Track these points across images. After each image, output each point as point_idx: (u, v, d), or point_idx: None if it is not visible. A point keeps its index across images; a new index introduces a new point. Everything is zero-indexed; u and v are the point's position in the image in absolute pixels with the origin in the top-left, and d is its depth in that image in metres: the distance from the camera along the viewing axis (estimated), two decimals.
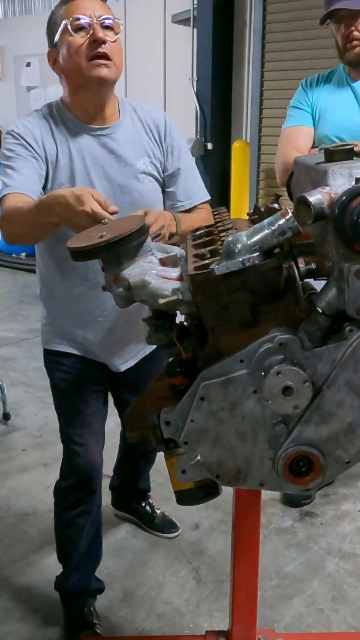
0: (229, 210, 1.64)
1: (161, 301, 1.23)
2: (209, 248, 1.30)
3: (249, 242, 1.14)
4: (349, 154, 1.17)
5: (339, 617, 2.18)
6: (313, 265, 1.20)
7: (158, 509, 2.65)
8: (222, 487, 1.34)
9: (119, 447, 2.53)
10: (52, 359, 1.99)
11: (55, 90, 7.88)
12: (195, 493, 1.36)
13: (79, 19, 1.71)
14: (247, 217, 1.55)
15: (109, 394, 2.10)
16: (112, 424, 2.09)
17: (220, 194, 6.02)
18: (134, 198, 1.81)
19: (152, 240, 1.38)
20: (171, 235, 1.66)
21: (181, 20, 6.33)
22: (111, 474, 2.59)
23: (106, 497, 2.36)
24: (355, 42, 2.32)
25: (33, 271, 7.52)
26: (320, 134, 2.43)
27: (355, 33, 2.30)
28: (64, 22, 1.73)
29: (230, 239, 1.15)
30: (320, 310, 1.16)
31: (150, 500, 2.65)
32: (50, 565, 2.37)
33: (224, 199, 5.93)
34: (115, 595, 2.27)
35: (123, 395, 2.06)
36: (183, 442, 1.25)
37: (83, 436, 1.97)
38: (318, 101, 2.45)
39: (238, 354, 1.20)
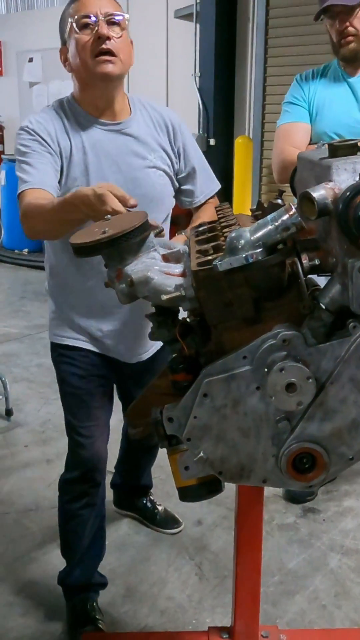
0: (231, 206, 1.64)
1: (164, 297, 1.22)
2: (212, 244, 1.30)
3: (252, 238, 1.13)
4: (352, 149, 1.17)
5: (341, 613, 2.18)
6: (317, 261, 1.19)
7: (160, 505, 2.65)
8: (225, 483, 1.34)
9: (121, 443, 2.53)
10: (60, 352, 2.00)
11: (58, 86, 7.92)
12: (198, 489, 1.36)
13: (84, 16, 1.73)
14: (250, 213, 1.55)
15: (114, 388, 2.11)
16: (115, 420, 2.09)
17: (223, 190, 5.96)
18: (146, 191, 1.83)
19: (154, 236, 1.37)
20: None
21: (184, 15, 6.32)
22: (113, 470, 2.59)
23: (108, 495, 2.36)
24: (350, 38, 2.31)
25: (35, 267, 7.49)
26: (319, 131, 2.40)
27: (350, 29, 2.29)
28: (70, 20, 1.75)
29: (233, 234, 1.14)
30: (324, 307, 1.15)
31: (151, 497, 2.66)
32: (53, 561, 2.38)
33: (227, 195, 5.91)
34: (117, 591, 2.27)
35: (131, 389, 2.06)
36: (186, 439, 1.25)
37: (89, 429, 1.98)
38: (315, 96, 2.42)
39: (241, 351, 1.19)
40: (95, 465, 2.00)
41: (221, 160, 6.12)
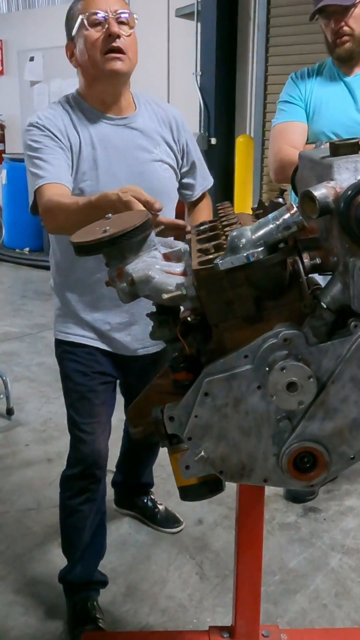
0: (232, 205, 1.64)
1: (165, 296, 1.22)
2: (213, 243, 1.30)
3: (253, 237, 1.13)
4: (354, 148, 1.16)
5: (342, 612, 2.18)
6: (318, 260, 1.19)
7: (161, 504, 2.65)
8: (226, 482, 1.34)
9: (122, 440, 2.53)
10: (64, 349, 2.01)
11: (59, 85, 7.92)
12: (199, 489, 1.35)
13: (95, 13, 1.77)
14: (251, 212, 1.54)
15: (117, 387, 2.11)
16: (116, 418, 2.09)
17: (224, 189, 6.01)
18: (153, 185, 1.86)
19: (155, 235, 1.37)
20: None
21: (185, 14, 6.31)
22: (114, 469, 2.59)
23: (109, 494, 2.36)
24: (345, 38, 2.30)
25: (36, 266, 7.50)
26: (316, 130, 2.38)
27: (345, 28, 2.28)
28: (80, 16, 1.78)
29: (234, 233, 1.14)
30: (325, 306, 1.15)
31: (152, 496, 2.66)
32: (53, 560, 2.38)
33: (228, 193, 5.92)
34: (118, 590, 2.28)
35: (137, 384, 2.06)
36: (187, 438, 1.25)
37: (91, 425, 1.99)
38: (312, 95, 2.40)
39: (242, 350, 1.19)
40: (96, 461, 2.01)
41: (222, 159, 6.12)
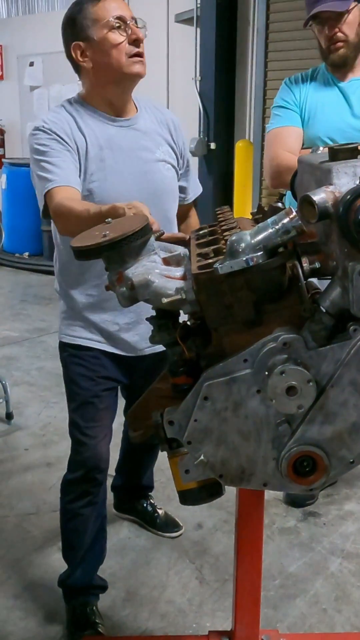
0: (232, 210, 1.65)
1: (165, 300, 1.22)
2: (213, 247, 1.30)
3: (252, 241, 1.13)
4: (353, 152, 1.17)
5: (342, 617, 2.18)
6: (317, 265, 1.19)
7: (160, 508, 2.65)
8: (226, 487, 1.34)
9: (122, 443, 2.53)
10: (70, 352, 2.01)
11: (58, 90, 7.93)
12: (199, 493, 1.35)
13: (119, 17, 1.82)
14: (250, 217, 1.55)
15: (119, 391, 2.12)
16: (115, 422, 2.09)
17: (223, 194, 6.02)
18: (157, 184, 1.93)
19: (155, 239, 1.38)
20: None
21: (184, 19, 6.33)
22: (114, 473, 2.59)
23: (109, 498, 2.36)
24: (339, 44, 2.31)
25: (36, 271, 7.50)
26: (312, 135, 2.39)
27: (339, 35, 2.29)
28: (107, 19, 1.81)
29: (234, 238, 1.15)
30: (324, 310, 1.16)
31: (152, 500, 2.65)
32: (53, 565, 2.37)
33: (227, 198, 5.92)
34: (118, 595, 2.27)
35: (142, 386, 2.06)
36: (186, 442, 1.25)
37: (94, 429, 2.00)
38: (306, 100, 2.41)
39: (242, 354, 1.19)
40: (97, 465, 2.02)
41: (221, 164, 6.12)
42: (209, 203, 5.23)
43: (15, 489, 2.93)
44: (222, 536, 2.58)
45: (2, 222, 6.73)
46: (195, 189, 2.20)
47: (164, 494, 2.74)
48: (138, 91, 1.97)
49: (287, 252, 1.16)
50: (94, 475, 2.02)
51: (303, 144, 2.40)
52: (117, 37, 1.82)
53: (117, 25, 1.82)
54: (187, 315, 1.32)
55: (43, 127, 1.83)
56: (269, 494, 2.58)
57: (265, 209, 1.39)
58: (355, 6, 2.27)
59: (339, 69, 2.38)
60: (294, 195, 1.47)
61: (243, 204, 5.84)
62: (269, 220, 1.15)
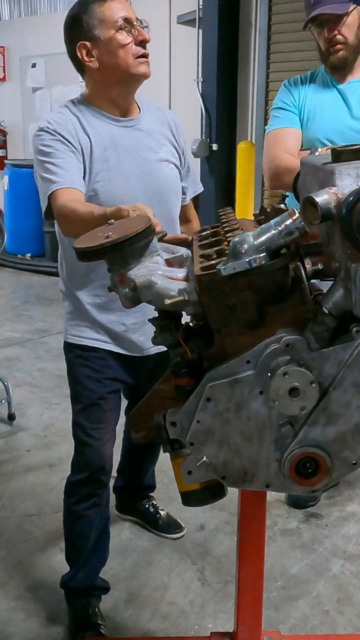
0: (234, 211, 1.65)
1: (167, 302, 1.22)
2: (216, 248, 1.30)
3: (255, 243, 1.13)
4: (356, 154, 1.17)
5: (344, 618, 2.18)
6: (320, 266, 1.19)
7: (162, 509, 2.65)
8: (228, 488, 1.34)
9: (123, 443, 2.53)
10: (77, 353, 2.01)
11: (61, 91, 7.92)
12: (201, 494, 1.35)
13: (127, 18, 1.83)
14: (252, 218, 1.55)
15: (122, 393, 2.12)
16: (118, 424, 2.09)
17: (225, 195, 6.01)
18: (161, 183, 1.94)
19: (157, 240, 1.38)
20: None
21: (187, 21, 6.33)
22: (115, 474, 2.59)
23: (111, 499, 2.36)
24: (339, 46, 2.31)
25: (38, 272, 7.49)
26: (311, 137, 2.38)
27: (339, 37, 2.29)
28: (114, 19, 1.82)
29: (236, 239, 1.15)
30: (327, 311, 1.15)
31: (153, 501, 2.65)
32: (55, 566, 2.38)
33: (229, 199, 5.92)
34: (120, 596, 2.27)
35: (144, 385, 2.06)
36: (189, 443, 1.25)
37: (99, 431, 2.00)
38: (305, 102, 2.41)
39: (244, 355, 1.19)
40: (102, 466, 2.02)
41: (224, 165, 6.12)
42: (211, 204, 5.23)
43: (17, 490, 2.93)
44: (224, 537, 2.58)
45: (4, 223, 6.74)
46: (194, 187, 2.20)
47: (166, 495, 2.74)
48: (140, 92, 1.98)
49: (290, 253, 1.16)
50: (99, 476, 2.02)
51: (302, 146, 2.40)
52: (124, 37, 1.83)
53: (124, 26, 1.83)
54: (189, 317, 1.32)
55: (47, 128, 1.83)
56: (271, 496, 2.59)
57: (268, 210, 1.39)
58: (354, 8, 2.27)
59: (338, 71, 2.39)
60: (296, 197, 1.47)
61: (245, 205, 5.84)
62: (272, 221, 1.15)
